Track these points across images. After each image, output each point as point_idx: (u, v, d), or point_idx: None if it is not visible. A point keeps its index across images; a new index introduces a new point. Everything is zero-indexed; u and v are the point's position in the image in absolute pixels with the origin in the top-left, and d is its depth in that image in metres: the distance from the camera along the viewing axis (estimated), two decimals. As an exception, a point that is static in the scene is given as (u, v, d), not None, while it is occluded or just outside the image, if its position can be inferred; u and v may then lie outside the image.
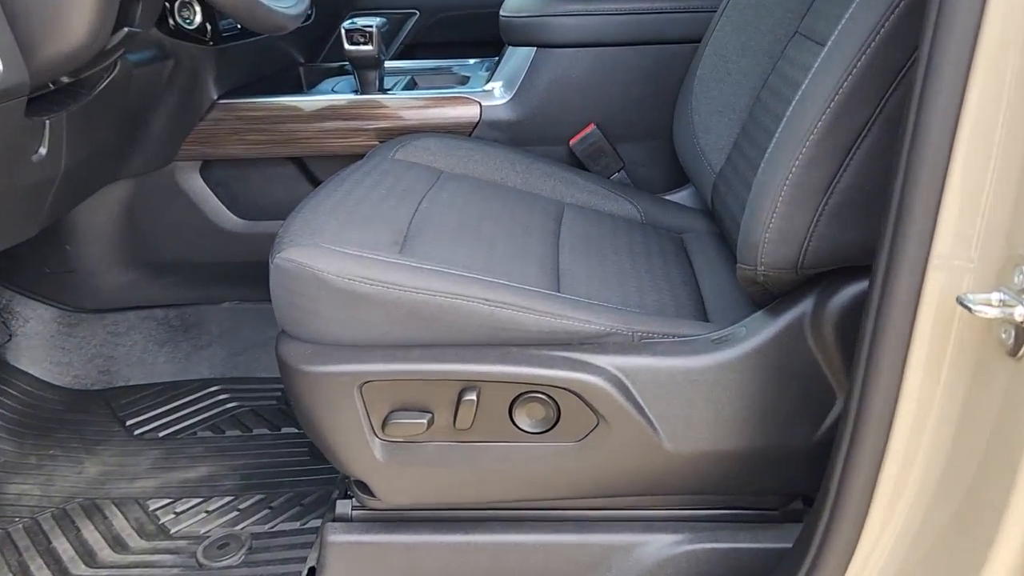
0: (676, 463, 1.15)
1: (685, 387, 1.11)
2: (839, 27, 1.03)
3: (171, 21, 1.52)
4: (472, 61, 2.05)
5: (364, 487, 1.21)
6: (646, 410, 1.12)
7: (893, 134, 0.95)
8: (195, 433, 1.77)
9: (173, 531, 1.49)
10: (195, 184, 1.78)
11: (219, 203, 1.80)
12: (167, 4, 1.50)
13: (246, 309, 1.95)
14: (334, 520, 1.27)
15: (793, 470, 1.17)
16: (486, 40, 2.12)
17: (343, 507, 1.27)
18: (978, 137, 0.77)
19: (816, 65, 1.05)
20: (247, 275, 1.75)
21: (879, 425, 0.86)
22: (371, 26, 1.70)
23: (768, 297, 1.13)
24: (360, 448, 1.15)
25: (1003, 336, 0.78)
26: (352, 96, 1.75)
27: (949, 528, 0.86)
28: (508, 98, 1.74)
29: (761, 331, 1.10)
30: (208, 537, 1.47)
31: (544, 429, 1.14)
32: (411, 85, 1.88)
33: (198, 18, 1.56)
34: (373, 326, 1.10)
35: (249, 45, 1.76)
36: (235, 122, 1.72)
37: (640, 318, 1.15)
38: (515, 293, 1.11)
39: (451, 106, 1.73)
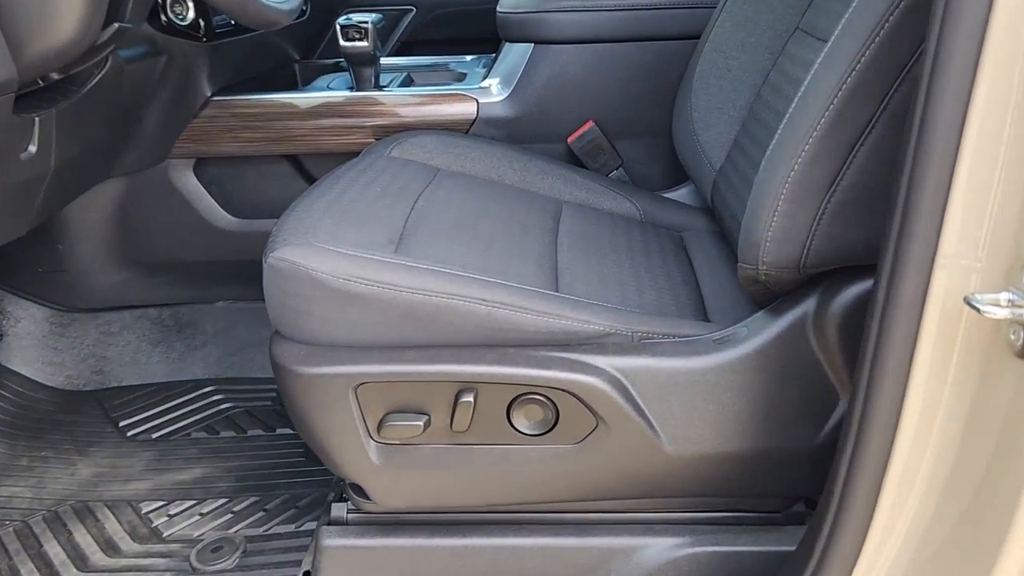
0: (677, 465, 1.13)
1: (686, 388, 1.10)
2: (842, 22, 1.02)
3: (163, 17, 1.51)
4: (469, 58, 2.04)
5: (359, 490, 1.19)
6: (646, 411, 1.11)
7: (897, 131, 0.94)
8: (189, 434, 1.75)
9: (166, 534, 1.47)
10: (189, 182, 1.76)
11: (213, 201, 1.78)
12: (159, 0, 1.48)
13: (240, 308, 1.94)
14: (329, 523, 1.26)
15: (796, 472, 1.16)
16: (483, 37, 2.10)
17: (338, 510, 1.26)
18: (986, 134, 0.76)
19: (818, 61, 1.04)
20: (241, 274, 1.74)
21: (884, 426, 0.85)
22: (366, 22, 1.69)
23: (770, 296, 1.12)
24: (355, 451, 1.13)
25: (1012, 337, 0.77)
26: (348, 93, 1.74)
27: (958, 529, 0.85)
28: (505, 95, 1.73)
29: (763, 331, 1.09)
30: (202, 540, 1.45)
31: (542, 431, 1.13)
32: (407, 82, 1.87)
33: (191, 14, 1.55)
34: (368, 327, 1.09)
35: (243, 41, 1.75)
36: (229, 119, 1.71)
37: (640, 318, 1.13)
38: (513, 293, 1.10)
39: (448, 103, 1.72)
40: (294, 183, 1.78)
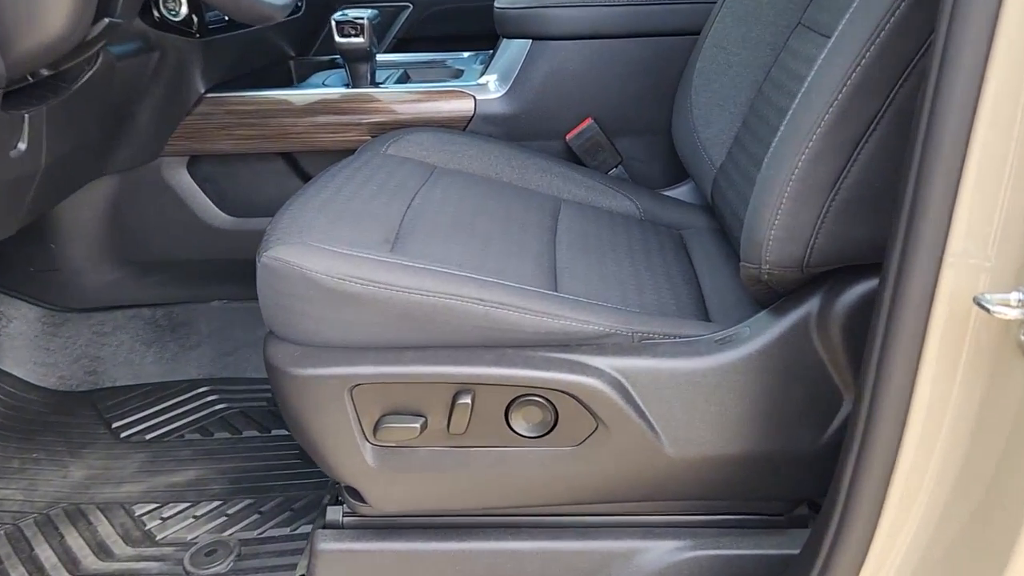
0: (678, 468, 1.12)
1: (687, 389, 1.08)
2: (846, 17, 1.00)
3: (156, 13, 1.49)
4: (466, 54, 2.03)
5: (355, 493, 1.18)
6: (647, 413, 1.09)
7: (903, 127, 0.92)
8: (183, 436, 1.73)
9: (159, 537, 1.45)
10: (182, 180, 1.75)
11: (207, 199, 1.77)
12: (151, -5, 1.47)
13: (235, 308, 1.92)
14: (324, 527, 1.24)
15: (799, 474, 1.14)
16: (481, 34, 2.09)
17: (334, 514, 1.24)
18: (996, 130, 0.75)
19: (822, 57, 1.02)
20: (236, 273, 1.72)
21: (891, 426, 0.84)
22: (362, 18, 1.67)
23: (772, 296, 1.10)
24: (351, 453, 1.12)
25: (1022, 338, 0.75)
26: (344, 90, 1.72)
27: (968, 528, 0.85)
28: (503, 92, 1.72)
29: (765, 331, 1.08)
30: (195, 543, 1.43)
31: (541, 433, 1.11)
32: (404, 79, 1.85)
33: (184, 9, 1.53)
34: (364, 327, 1.07)
35: (237, 38, 1.73)
36: (223, 116, 1.69)
37: (640, 318, 1.12)
38: (511, 293, 1.08)
39: (445, 100, 1.70)
40: (289, 181, 1.76)
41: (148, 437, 1.73)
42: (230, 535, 1.45)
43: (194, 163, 1.75)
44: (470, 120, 1.70)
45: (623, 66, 1.71)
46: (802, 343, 1.07)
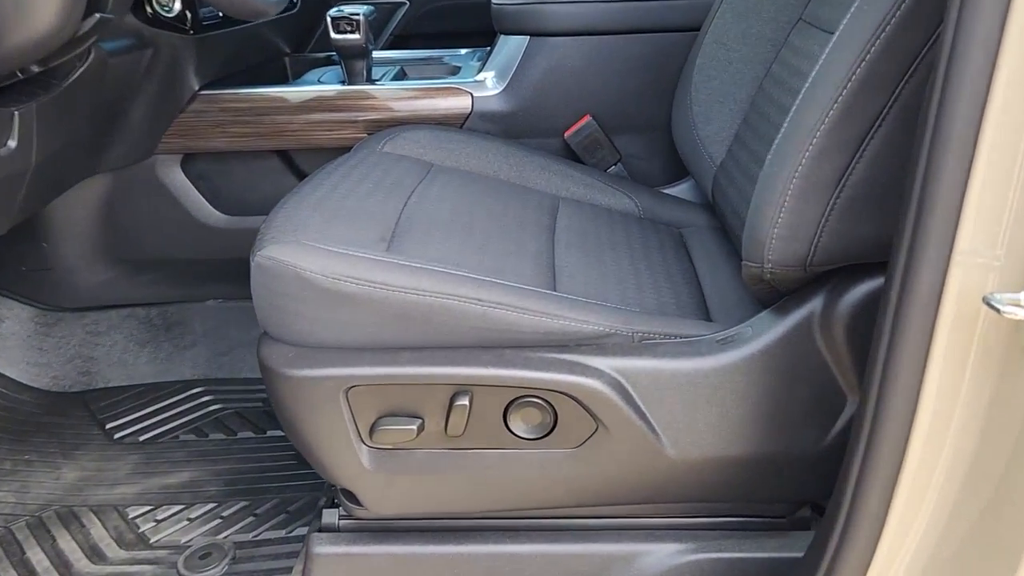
0: (679, 470, 1.10)
1: (688, 390, 1.07)
2: (850, 12, 0.98)
3: (149, 9, 1.47)
4: (463, 51, 2.02)
5: (351, 496, 1.16)
6: (647, 415, 1.08)
7: (909, 123, 0.91)
8: (177, 437, 1.71)
9: (153, 540, 1.43)
10: (176, 178, 1.73)
11: (201, 198, 1.75)
12: (144, -10, 1.45)
13: (231, 307, 1.91)
14: (320, 530, 1.23)
15: (802, 476, 1.13)
16: (478, 31, 2.07)
17: (329, 516, 1.23)
18: (1006, 125, 0.73)
19: (826, 52, 1.01)
20: (231, 272, 1.71)
21: (898, 426, 0.83)
22: (358, 14, 1.66)
23: (775, 295, 1.09)
24: (346, 456, 1.10)
25: (1034, 339, 0.73)
26: (339, 87, 1.71)
27: (978, 527, 0.84)
28: (501, 89, 1.70)
29: (768, 331, 1.06)
30: (190, 546, 1.41)
31: (540, 435, 1.10)
32: (400, 75, 1.84)
33: (177, 5, 1.51)
34: (359, 328, 1.06)
35: (231, 34, 1.71)
36: (218, 114, 1.68)
37: (640, 318, 1.10)
38: (509, 292, 1.06)
39: (442, 97, 1.69)
40: (284, 179, 1.75)
41: (142, 438, 1.71)
42: (225, 538, 1.43)
43: (188, 161, 1.73)
44: (467, 117, 1.69)
45: (622, 62, 1.69)
46: (805, 343, 1.05)
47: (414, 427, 1.08)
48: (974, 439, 0.82)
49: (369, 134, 1.66)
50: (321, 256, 1.05)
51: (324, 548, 1.20)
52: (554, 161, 1.59)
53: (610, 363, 1.06)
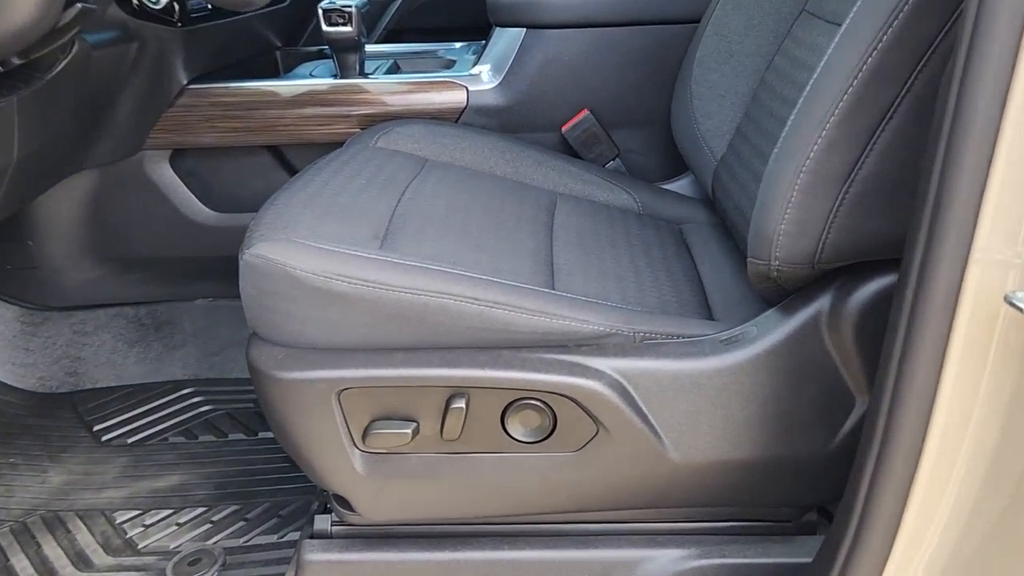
0: (682, 473, 1.07)
1: (691, 392, 1.04)
2: (859, 1, 0.95)
3: (134, 0, 1.43)
4: (458, 44, 1.99)
5: (344, 502, 1.13)
6: (649, 417, 1.05)
7: (921, 115, 0.88)
8: (166, 439, 1.68)
9: (141, 546, 1.40)
10: (165, 174, 1.70)
11: (190, 194, 1.72)
12: (130, -19, 1.41)
13: (221, 306, 1.88)
14: (312, 536, 1.19)
15: (808, 479, 1.10)
16: (473, 26, 2.04)
17: (322, 522, 1.19)
18: (1028, 116, 0.70)
19: (833, 44, 0.98)
20: (221, 270, 1.68)
21: (914, 427, 0.80)
22: (350, 6, 1.63)
23: (780, 294, 1.06)
24: (339, 460, 1.07)
25: (1057, 339, 0.71)
26: (332, 81, 1.68)
27: (998, 525, 0.82)
28: (496, 82, 1.67)
29: (774, 330, 1.03)
30: (178, 552, 1.38)
31: (539, 438, 1.07)
32: (394, 69, 1.82)
33: (165, -4, 1.47)
34: (352, 328, 1.02)
35: (221, 27, 1.68)
36: (207, 108, 1.65)
37: (641, 317, 1.07)
38: (506, 291, 1.03)
39: (436, 91, 1.66)
40: (275, 175, 1.72)
41: (130, 440, 1.67)
42: (215, 543, 1.40)
43: (177, 157, 1.70)
44: (462, 112, 1.66)
45: (620, 55, 1.67)
46: (812, 343, 1.02)
47: (409, 431, 1.04)
48: (994, 436, 0.80)
49: (362, 129, 1.63)
50: (312, 254, 1.02)
51: (316, 555, 1.17)
52: (551, 156, 1.57)
53: (611, 364, 1.04)
